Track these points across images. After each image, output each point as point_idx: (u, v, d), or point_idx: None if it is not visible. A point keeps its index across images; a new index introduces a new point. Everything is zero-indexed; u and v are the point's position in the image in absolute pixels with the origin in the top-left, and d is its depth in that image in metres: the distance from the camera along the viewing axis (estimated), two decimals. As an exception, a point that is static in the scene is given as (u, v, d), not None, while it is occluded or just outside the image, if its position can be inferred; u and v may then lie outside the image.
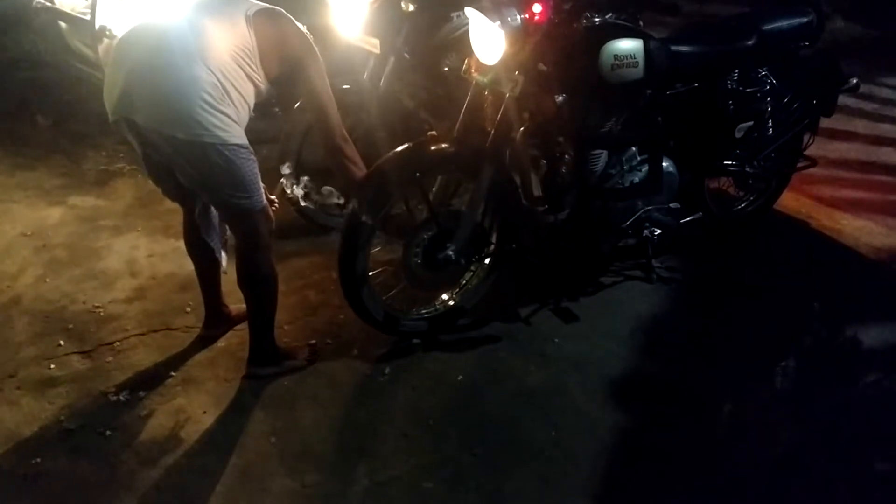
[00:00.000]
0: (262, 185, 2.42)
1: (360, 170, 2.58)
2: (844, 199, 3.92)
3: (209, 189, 2.42)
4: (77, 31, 4.16)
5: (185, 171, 2.37)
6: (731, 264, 3.42)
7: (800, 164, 3.58)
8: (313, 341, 2.83)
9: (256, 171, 2.38)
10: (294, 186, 2.71)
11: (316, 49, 2.50)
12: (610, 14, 2.78)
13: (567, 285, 3.20)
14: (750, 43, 3.09)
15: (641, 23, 2.89)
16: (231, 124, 2.28)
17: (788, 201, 3.79)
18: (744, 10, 3.53)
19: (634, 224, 3.08)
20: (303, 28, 2.51)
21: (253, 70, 2.36)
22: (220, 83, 2.25)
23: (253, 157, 2.36)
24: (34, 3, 4.20)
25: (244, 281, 2.56)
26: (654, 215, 3.11)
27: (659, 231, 3.13)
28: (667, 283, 3.24)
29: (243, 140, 2.32)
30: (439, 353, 2.84)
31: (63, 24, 4.34)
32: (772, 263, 3.44)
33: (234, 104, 2.29)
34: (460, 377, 2.72)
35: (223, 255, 2.69)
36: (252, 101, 2.41)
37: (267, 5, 2.46)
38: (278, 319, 2.68)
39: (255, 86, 2.39)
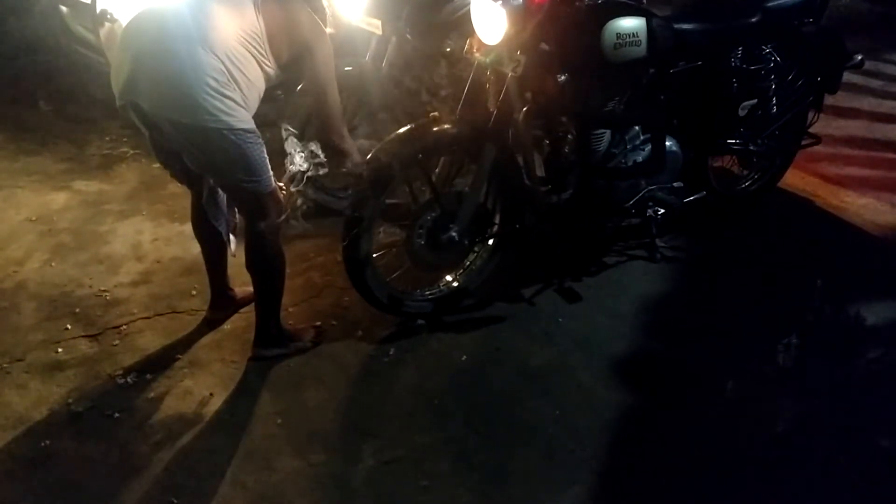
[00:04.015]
0: (270, 168, 2.42)
1: (356, 162, 2.57)
2: (849, 177, 3.90)
3: (217, 173, 2.43)
4: (78, 15, 4.15)
5: (192, 155, 2.38)
6: (735, 243, 3.42)
7: (804, 142, 3.56)
8: (318, 323, 2.85)
9: (264, 154, 2.38)
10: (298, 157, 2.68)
11: (326, 35, 2.48)
12: (612, -9, 2.76)
13: (570, 265, 3.20)
14: (753, 20, 3.07)
15: (644, 0, 2.87)
16: (237, 108, 2.27)
17: (793, 179, 3.78)
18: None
19: (638, 203, 3.08)
20: (324, 4, 2.49)
21: (262, 55, 2.36)
22: (226, 67, 2.25)
23: (260, 140, 2.36)
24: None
25: (252, 263, 2.57)
26: (657, 194, 3.11)
27: (662, 210, 3.13)
28: (670, 263, 3.24)
29: (250, 124, 2.32)
30: (443, 334, 2.85)
31: (64, 9, 4.33)
32: (776, 241, 3.44)
33: (240, 88, 2.29)
34: (464, 357, 2.74)
35: (232, 238, 2.70)
36: (262, 86, 2.40)
37: None
38: (283, 301, 2.69)
39: (265, 70, 2.39)
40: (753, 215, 3.60)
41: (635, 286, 3.11)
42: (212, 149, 2.30)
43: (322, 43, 2.46)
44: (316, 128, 2.57)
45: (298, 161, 2.51)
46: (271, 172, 2.43)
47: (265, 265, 2.58)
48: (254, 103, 2.38)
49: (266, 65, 2.39)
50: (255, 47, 2.34)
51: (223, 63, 2.25)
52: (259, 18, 2.35)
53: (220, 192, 2.59)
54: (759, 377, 2.68)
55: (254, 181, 2.38)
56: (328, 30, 2.56)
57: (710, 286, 3.16)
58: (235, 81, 2.28)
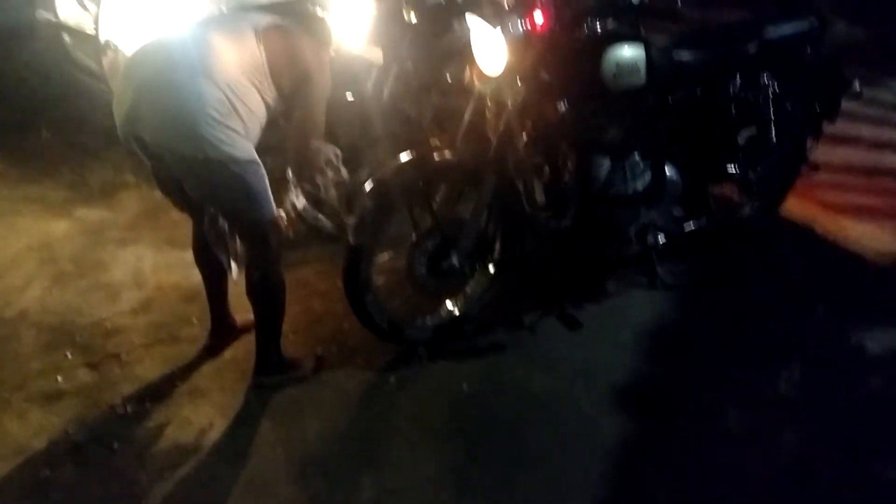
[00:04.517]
0: (271, 196, 2.43)
1: (327, 173, 2.56)
2: (849, 205, 3.91)
3: (218, 202, 2.44)
4: (81, 44, 4.17)
5: (193, 184, 2.39)
6: (736, 270, 3.41)
7: (804, 170, 3.57)
8: (319, 350, 2.84)
9: (266, 183, 2.38)
10: (297, 197, 2.70)
11: (327, 66, 2.51)
12: (611, 22, 2.79)
13: (571, 292, 3.19)
14: (751, 49, 3.09)
15: (643, 30, 2.90)
16: (238, 139, 2.28)
17: (793, 206, 3.77)
18: (745, 16, 3.53)
19: (638, 230, 3.08)
20: (330, 29, 2.53)
21: (263, 85, 2.38)
22: (228, 98, 2.26)
23: (262, 170, 2.36)
24: (38, 16, 4.22)
25: (253, 291, 2.57)
26: (657, 222, 3.11)
27: (663, 237, 3.13)
28: (672, 290, 3.23)
29: (251, 155, 2.33)
30: (444, 362, 2.84)
31: (67, 38, 4.36)
32: (777, 269, 3.43)
33: (241, 119, 2.30)
34: (465, 385, 2.72)
35: (233, 265, 2.70)
36: (263, 115, 2.41)
37: (278, 20, 2.47)
38: (284, 328, 2.69)
39: (265, 100, 2.40)
40: (754, 242, 3.60)
41: (636, 313, 3.11)
42: (213, 179, 2.31)
43: (322, 73, 2.49)
44: (290, 143, 2.54)
45: (297, 195, 2.53)
46: (272, 201, 2.43)
47: (266, 293, 2.57)
48: (255, 133, 2.39)
49: (267, 95, 2.40)
50: (256, 78, 2.36)
51: (225, 94, 2.26)
52: (260, 48, 2.37)
53: (221, 219, 2.60)
54: (762, 406, 2.67)
55: (255, 210, 2.39)
56: (331, 53, 2.58)
57: (711, 314, 3.15)
58: (237, 112, 2.29)
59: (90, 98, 4.36)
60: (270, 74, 2.40)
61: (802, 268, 3.44)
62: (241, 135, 2.29)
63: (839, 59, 3.42)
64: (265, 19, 2.45)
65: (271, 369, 2.68)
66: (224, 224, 2.61)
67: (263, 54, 2.38)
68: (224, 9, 2.78)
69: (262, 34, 2.40)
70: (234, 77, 2.29)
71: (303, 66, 2.44)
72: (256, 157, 2.35)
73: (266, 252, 2.49)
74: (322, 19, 2.66)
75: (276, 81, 2.42)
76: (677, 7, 2.71)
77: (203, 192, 2.40)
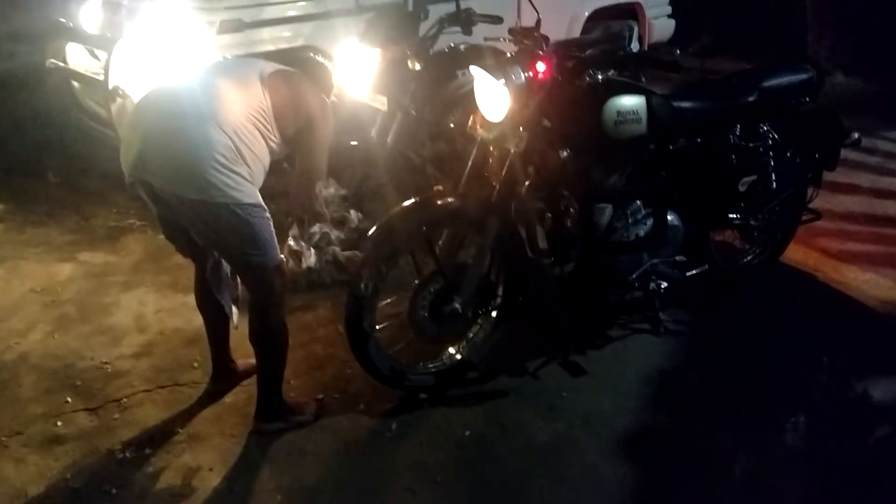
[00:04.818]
0: (276, 241, 2.44)
1: (324, 220, 2.61)
2: (850, 252, 3.92)
3: (223, 247, 2.46)
4: (90, 90, 4.24)
5: (199, 229, 2.40)
6: (738, 317, 3.41)
7: (804, 217, 3.59)
8: (320, 395, 2.83)
9: (270, 228, 2.40)
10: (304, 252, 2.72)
11: (330, 112, 2.55)
12: (612, 71, 2.83)
13: (574, 338, 3.19)
14: (751, 99, 3.13)
15: (643, 79, 2.94)
16: (244, 184, 2.31)
17: (795, 254, 3.79)
18: (744, 66, 3.59)
19: (640, 277, 3.09)
20: (332, 79, 2.59)
21: (268, 130, 2.42)
22: (234, 144, 2.30)
23: (267, 214, 2.38)
24: (48, 63, 4.30)
25: (255, 335, 2.57)
26: (660, 268, 3.12)
27: (665, 284, 3.13)
28: (674, 336, 3.23)
29: (257, 199, 2.36)
30: (446, 408, 2.82)
31: (76, 84, 4.43)
32: (779, 316, 3.43)
33: (247, 164, 2.34)
34: (468, 432, 2.70)
35: (234, 310, 2.71)
36: (267, 160, 2.45)
37: (282, 67, 2.52)
38: (286, 373, 2.68)
39: (269, 145, 2.44)
40: (756, 290, 3.60)
41: (639, 360, 3.10)
42: (219, 224, 2.33)
43: (324, 119, 2.53)
44: (293, 187, 2.57)
45: (303, 246, 2.55)
46: (277, 246, 2.45)
47: (268, 338, 2.57)
48: (259, 177, 2.42)
49: (272, 140, 2.44)
50: (261, 123, 2.40)
51: (231, 140, 2.30)
52: (265, 94, 2.42)
53: (224, 264, 2.61)
54: (766, 454, 2.64)
55: (259, 255, 2.40)
56: (332, 98, 2.62)
57: (714, 361, 3.14)
58: (243, 157, 2.32)
59: (96, 143, 4.41)
60: (275, 119, 2.44)
61: (804, 315, 3.43)
62: (246, 179, 2.33)
63: (837, 109, 3.46)
64: (270, 66, 2.51)
65: (272, 416, 2.66)
66: (227, 269, 2.63)
67: (268, 100, 2.42)
68: (229, 56, 2.83)
69: (268, 79, 2.45)
70: (240, 123, 2.33)
71: (306, 111, 2.49)
72: (262, 201, 2.37)
73: (270, 297, 2.49)
74: (323, 65, 2.73)
75: (280, 126, 2.46)
76: (677, 57, 2.75)
77: (208, 237, 2.42)
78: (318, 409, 2.77)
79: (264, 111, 2.41)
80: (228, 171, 2.27)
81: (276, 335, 2.57)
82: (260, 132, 2.40)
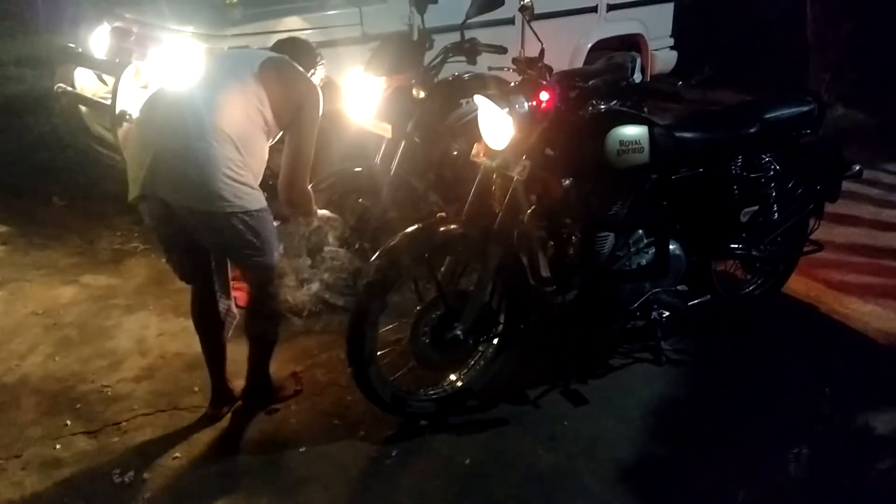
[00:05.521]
0: (278, 240, 2.64)
1: (316, 218, 2.90)
2: (852, 284, 3.91)
3: (230, 252, 2.64)
4: (97, 114, 4.28)
5: (207, 238, 2.55)
6: (740, 348, 3.40)
7: (806, 248, 3.60)
8: (296, 369, 3.00)
9: (273, 228, 2.60)
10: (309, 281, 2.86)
11: (318, 96, 2.67)
12: (615, 102, 2.86)
13: (576, 367, 3.18)
14: (752, 130, 3.15)
15: (646, 110, 2.96)
16: (252, 192, 2.49)
17: (797, 285, 3.79)
18: (746, 98, 3.61)
19: (642, 306, 3.09)
20: (317, 58, 2.79)
21: (267, 126, 2.57)
22: (240, 154, 2.45)
23: (270, 215, 2.58)
24: (56, 87, 4.34)
25: (253, 318, 2.73)
26: (661, 297, 3.12)
27: (667, 313, 3.13)
28: (676, 366, 3.22)
29: (262, 203, 2.54)
30: (447, 436, 2.81)
31: (83, 108, 4.47)
32: (781, 347, 3.42)
33: (252, 170, 2.50)
34: (468, 460, 2.69)
35: (228, 320, 2.83)
36: (266, 156, 2.61)
37: (270, 53, 2.69)
38: (287, 402, 2.69)
39: (268, 136, 2.60)
40: (758, 320, 3.60)
41: (641, 389, 3.09)
42: (227, 231, 2.48)
43: (312, 102, 2.65)
44: (280, 184, 2.72)
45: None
46: (279, 245, 2.64)
47: (265, 319, 2.74)
48: (260, 173, 2.58)
49: (272, 134, 2.61)
50: (261, 120, 2.54)
51: (237, 149, 2.44)
52: (260, 86, 2.55)
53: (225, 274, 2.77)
54: (768, 486, 2.62)
55: (264, 255, 2.59)
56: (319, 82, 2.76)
57: (715, 391, 3.13)
58: (248, 165, 2.48)
59: (102, 167, 4.45)
60: (273, 113, 2.57)
61: (806, 346, 3.43)
62: (252, 187, 2.49)
63: (838, 141, 3.48)
64: (259, 57, 2.64)
65: (260, 393, 2.86)
66: (224, 283, 2.77)
67: (264, 94, 2.55)
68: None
69: (259, 72, 2.57)
70: (242, 129, 2.47)
71: (297, 96, 2.61)
72: (265, 203, 2.54)
73: (268, 290, 2.69)
74: (305, 42, 2.89)
75: (276, 114, 2.59)
76: (679, 89, 2.78)
77: (216, 244, 2.59)
78: (298, 382, 2.98)
79: (261, 102, 2.55)
80: (237, 182, 2.43)
81: (271, 317, 2.77)
82: (260, 129, 2.55)
